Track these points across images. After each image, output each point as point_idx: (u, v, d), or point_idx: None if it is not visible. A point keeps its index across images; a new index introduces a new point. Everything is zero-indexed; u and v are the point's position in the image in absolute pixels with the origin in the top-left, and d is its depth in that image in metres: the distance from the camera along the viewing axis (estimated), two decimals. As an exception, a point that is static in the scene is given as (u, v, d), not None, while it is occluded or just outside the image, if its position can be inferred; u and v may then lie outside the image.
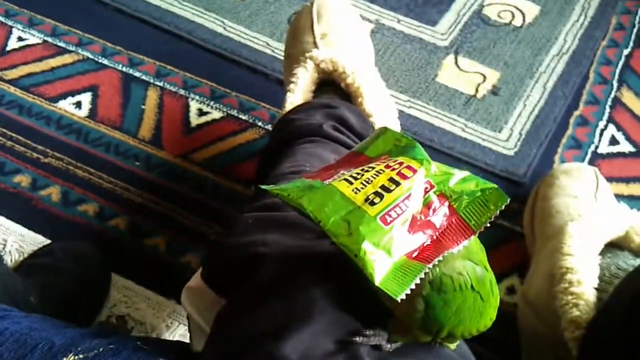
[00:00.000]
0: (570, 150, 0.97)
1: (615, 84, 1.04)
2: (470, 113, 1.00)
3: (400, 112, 0.94)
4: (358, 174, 0.44)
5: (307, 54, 0.84)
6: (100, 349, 0.46)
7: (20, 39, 1.09)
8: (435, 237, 0.42)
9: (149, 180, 0.94)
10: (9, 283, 0.71)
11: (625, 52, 1.08)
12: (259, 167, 0.76)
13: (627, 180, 0.94)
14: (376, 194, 0.42)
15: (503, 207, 0.43)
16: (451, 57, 1.07)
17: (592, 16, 1.12)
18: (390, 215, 0.41)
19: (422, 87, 1.03)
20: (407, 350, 0.45)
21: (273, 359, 0.42)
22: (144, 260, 0.87)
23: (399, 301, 0.39)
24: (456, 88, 1.03)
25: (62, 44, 1.08)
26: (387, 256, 0.40)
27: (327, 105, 0.77)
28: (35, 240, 0.87)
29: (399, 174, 0.43)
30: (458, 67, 1.06)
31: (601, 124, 1.00)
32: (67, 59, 1.06)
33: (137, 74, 1.04)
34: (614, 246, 0.75)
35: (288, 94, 0.83)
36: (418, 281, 0.40)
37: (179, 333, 0.81)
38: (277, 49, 1.07)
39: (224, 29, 1.10)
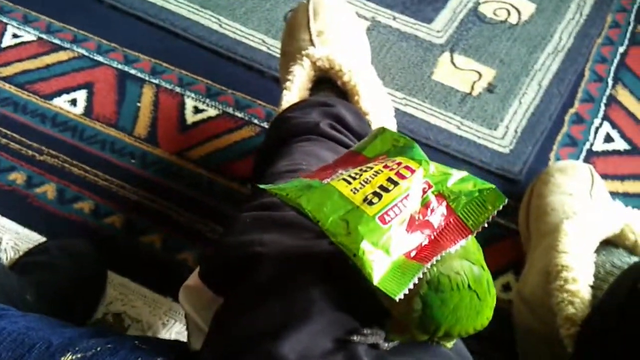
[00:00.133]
0: (566, 148, 0.97)
1: (610, 81, 1.04)
2: (466, 111, 1.01)
3: (396, 110, 0.94)
4: (357, 174, 0.44)
5: (303, 52, 0.84)
6: (98, 349, 0.46)
7: (14, 35, 1.08)
8: (433, 237, 0.42)
9: (145, 177, 0.94)
10: (5, 281, 0.71)
11: (621, 49, 1.08)
12: (256, 165, 0.76)
13: (622, 177, 0.95)
14: (375, 194, 0.42)
15: (501, 207, 0.43)
16: (447, 54, 1.07)
17: (588, 14, 1.12)
18: (388, 215, 0.42)
19: (418, 84, 1.03)
20: (404, 349, 0.45)
21: (271, 359, 0.42)
22: (140, 257, 0.87)
23: (397, 301, 0.39)
24: (452, 86, 1.03)
25: (57, 41, 1.07)
26: (385, 256, 0.41)
27: (324, 103, 0.77)
28: (31, 238, 0.87)
29: (397, 174, 0.43)
30: (454, 64, 1.06)
31: (596, 122, 1.00)
32: (62, 56, 1.06)
33: (133, 71, 1.04)
34: (608, 244, 0.76)
35: (284, 91, 0.83)
36: (416, 281, 0.40)
37: (175, 330, 0.81)
38: (273, 46, 1.07)
39: (220, 26, 1.10)
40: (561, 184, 0.84)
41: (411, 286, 0.40)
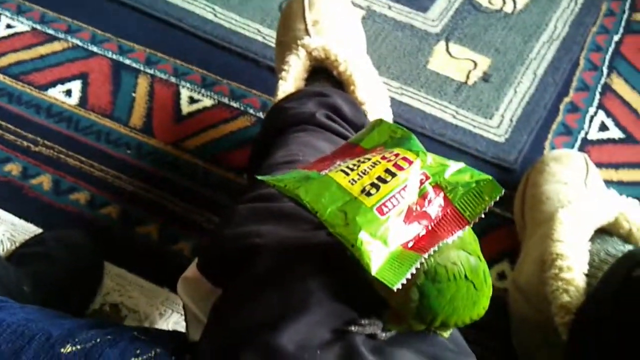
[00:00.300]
0: (561, 137, 0.98)
1: (605, 70, 1.04)
2: (462, 100, 1.01)
3: (392, 100, 0.94)
4: (354, 165, 0.44)
5: (299, 42, 0.84)
6: (98, 340, 0.47)
7: (8, 26, 1.08)
8: (430, 228, 0.42)
9: (141, 168, 0.94)
10: (2, 273, 0.71)
11: (616, 38, 1.08)
12: (252, 156, 0.76)
13: (616, 166, 0.95)
14: (372, 185, 0.43)
15: (497, 198, 0.43)
16: (442, 43, 1.07)
17: (582, 2, 1.12)
18: (386, 206, 0.42)
19: (414, 74, 1.03)
20: (401, 338, 0.45)
21: (270, 350, 0.42)
22: (136, 248, 0.87)
23: (395, 291, 0.40)
24: (447, 75, 1.03)
25: (51, 31, 1.07)
26: (383, 246, 0.41)
27: (320, 93, 0.77)
28: (27, 230, 0.87)
29: (395, 165, 0.43)
30: (449, 54, 1.06)
31: (591, 110, 1.00)
32: (56, 46, 1.05)
33: (127, 62, 1.04)
34: (603, 232, 0.76)
35: (280, 81, 0.83)
36: (414, 271, 0.40)
37: (172, 320, 0.81)
38: (268, 35, 1.07)
39: (215, 15, 1.10)
40: (556, 172, 0.84)
41: (409, 276, 0.40)
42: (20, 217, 0.89)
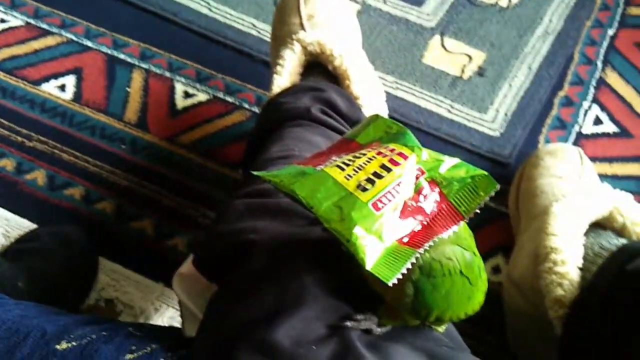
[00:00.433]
0: (555, 131, 0.98)
1: (599, 64, 1.05)
2: (456, 94, 1.01)
3: (387, 94, 0.94)
4: (350, 160, 0.44)
5: (294, 36, 0.83)
6: (93, 336, 0.47)
7: (2, 21, 1.07)
8: (425, 223, 0.42)
9: (135, 163, 0.93)
10: (-3, 268, 0.71)
11: (610, 32, 1.08)
12: (247, 151, 0.76)
13: (610, 160, 0.96)
14: (368, 180, 0.43)
15: (492, 193, 0.43)
16: (437, 38, 1.07)
17: (577, -4, 1.13)
18: (381, 202, 0.42)
19: (409, 68, 1.03)
20: (396, 333, 0.46)
21: (266, 345, 0.42)
22: (132, 243, 0.87)
23: (390, 286, 0.40)
24: (442, 69, 1.03)
25: (44, 26, 1.06)
26: (378, 241, 0.41)
27: (315, 88, 0.77)
28: (22, 225, 0.87)
29: (390, 160, 0.43)
30: (444, 48, 1.06)
31: (585, 104, 1.01)
32: (50, 41, 1.05)
33: (122, 56, 1.03)
34: (597, 226, 0.76)
35: (275, 76, 0.82)
36: (409, 266, 0.40)
37: (167, 315, 0.81)
38: (263, 30, 1.06)
39: (209, 10, 1.09)
40: (550, 166, 0.84)
41: (404, 271, 0.40)
42: (14, 212, 0.88)
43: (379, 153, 0.44)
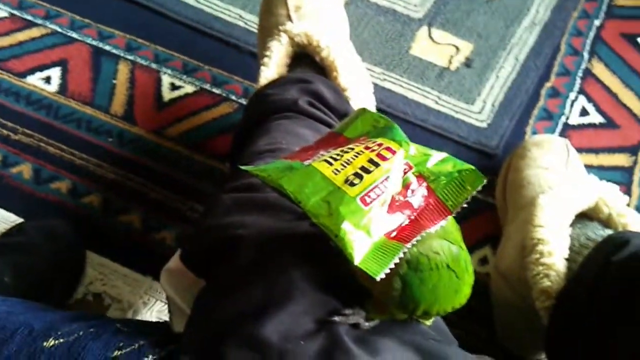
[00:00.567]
0: (542, 122, 0.98)
1: (586, 55, 1.05)
2: (444, 85, 1.01)
3: (375, 85, 0.94)
4: (338, 155, 0.44)
5: (281, 28, 0.83)
6: (81, 333, 0.47)
7: (-15, 12, 1.06)
8: (413, 218, 0.43)
9: (122, 156, 0.93)
10: (-17, 263, 0.71)
11: (596, 23, 1.09)
12: (235, 144, 0.76)
13: (596, 150, 0.96)
14: (356, 175, 0.43)
15: (480, 188, 0.44)
16: (425, 29, 1.07)
17: (564, -13, 1.13)
18: (369, 196, 0.42)
19: (396, 59, 1.03)
20: (384, 327, 0.46)
21: (254, 340, 0.42)
22: (119, 237, 0.87)
23: (378, 280, 0.40)
24: (430, 60, 1.03)
25: (29, 17, 1.05)
26: (366, 236, 0.41)
27: (302, 80, 0.77)
28: (7, 219, 0.86)
29: (378, 155, 0.43)
30: (431, 39, 1.06)
31: (572, 95, 1.01)
32: (34, 32, 1.04)
33: (107, 48, 1.03)
34: (583, 217, 0.77)
35: (262, 67, 0.82)
36: (397, 261, 0.41)
37: (156, 309, 0.81)
38: (250, 21, 1.06)
39: (196, 0, 1.08)
40: (537, 157, 0.85)
41: (392, 266, 0.40)
42: (0, 206, 0.88)
43: (367, 147, 0.44)
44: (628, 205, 0.81)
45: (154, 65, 1.01)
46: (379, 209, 0.42)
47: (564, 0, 1.11)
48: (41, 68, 1.00)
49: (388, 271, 0.40)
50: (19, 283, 0.74)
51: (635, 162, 0.95)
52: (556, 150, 0.86)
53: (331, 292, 0.45)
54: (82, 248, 0.83)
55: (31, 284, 0.76)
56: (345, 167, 0.43)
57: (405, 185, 0.43)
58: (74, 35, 1.04)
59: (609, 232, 0.74)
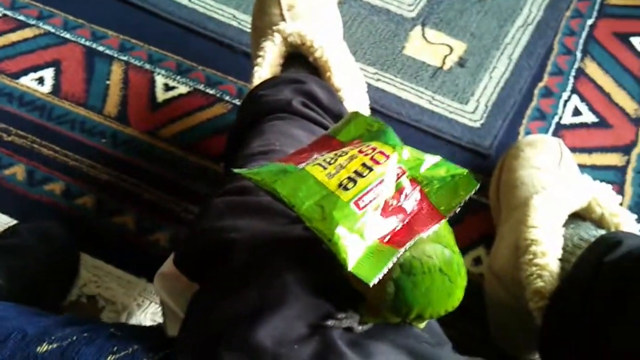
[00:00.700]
0: (535, 122, 0.99)
1: (578, 54, 1.05)
2: (437, 85, 1.01)
3: (368, 85, 0.94)
4: (332, 158, 0.44)
5: (274, 27, 0.83)
6: (74, 338, 0.46)
7: (-23, 12, 1.06)
8: (406, 222, 0.43)
9: (116, 157, 0.93)
10: (-24, 266, 0.70)
11: (589, 22, 1.09)
12: (228, 145, 0.76)
13: (589, 150, 0.96)
14: (350, 179, 0.43)
15: (473, 192, 0.44)
16: (418, 28, 1.07)
17: (557, -14, 1.13)
18: (363, 201, 0.42)
19: (390, 59, 1.03)
20: (377, 331, 0.46)
21: (247, 344, 0.42)
22: (113, 238, 0.87)
23: (371, 285, 0.40)
24: (423, 60, 1.04)
25: (22, 18, 1.05)
26: (360, 241, 0.41)
27: (296, 80, 0.77)
28: (1, 221, 0.86)
29: (372, 159, 0.43)
30: (425, 39, 1.06)
31: (565, 95, 1.01)
32: (27, 33, 1.03)
33: (101, 48, 1.02)
34: (576, 217, 0.77)
35: (256, 67, 0.82)
36: (390, 266, 0.41)
37: (150, 311, 0.81)
38: (243, 21, 1.06)
39: (189, 0, 1.08)
40: (530, 158, 0.85)
41: (385, 271, 0.40)
42: (-7, 208, 0.88)
43: (361, 151, 0.44)
44: (621, 205, 0.81)
45: (147, 66, 1.01)
46: (373, 214, 0.42)
47: (557, 0, 1.11)
48: (34, 69, 1.00)
49: (381, 277, 0.40)
50: (13, 285, 0.74)
51: (627, 162, 0.95)
52: (549, 150, 0.86)
53: (325, 296, 0.45)
54: (76, 250, 0.83)
55: (25, 286, 0.75)
56: (338, 171, 0.43)
57: (399, 190, 0.43)
58: (67, 35, 1.03)
59: (602, 232, 0.74)
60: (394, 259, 0.41)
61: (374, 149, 0.44)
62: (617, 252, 0.64)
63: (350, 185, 0.43)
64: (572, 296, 0.66)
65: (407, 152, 0.45)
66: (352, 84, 0.84)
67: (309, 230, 0.43)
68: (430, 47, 1.05)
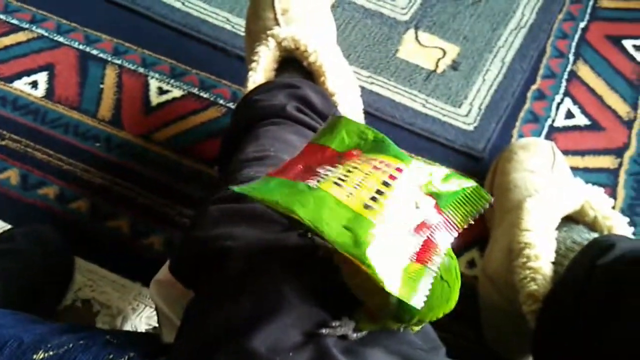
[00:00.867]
0: (528, 125, 0.99)
1: (571, 57, 1.06)
2: (431, 88, 1.01)
3: (362, 89, 0.95)
4: (344, 175, 0.43)
5: (268, 32, 0.83)
6: (70, 345, 0.47)
7: (-30, 16, 1.05)
8: (426, 237, 0.42)
9: (110, 161, 0.93)
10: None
11: (582, 25, 1.09)
12: (223, 150, 0.76)
13: (582, 153, 0.97)
14: (372, 199, 0.41)
15: (486, 205, 0.44)
16: (411, 31, 1.07)
17: (549, -11, 1.14)
18: (390, 220, 0.41)
19: (383, 62, 1.04)
20: (372, 338, 0.46)
21: (242, 352, 0.42)
22: (107, 242, 0.87)
23: (391, 300, 0.40)
24: (417, 63, 1.04)
25: (15, 22, 1.05)
26: (395, 263, 0.40)
27: (290, 85, 0.77)
28: (-5, 226, 0.86)
29: (390, 176, 0.42)
30: (418, 42, 1.06)
31: (558, 98, 1.02)
32: (21, 36, 1.03)
33: (94, 52, 1.02)
34: (569, 220, 0.77)
35: (250, 72, 0.82)
36: (429, 285, 0.40)
37: (145, 315, 0.81)
38: (237, 24, 1.06)
39: (183, 4, 1.08)
40: (523, 161, 0.85)
41: (426, 291, 0.40)
42: (-13, 213, 0.87)
43: (375, 167, 0.43)
44: (613, 208, 0.82)
45: (141, 70, 1.01)
46: (401, 233, 0.41)
47: (550, 3, 1.12)
48: (28, 73, 1.00)
49: (425, 298, 0.39)
50: (8, 290, 0.74)
51: (620, 164, 0.96)
52: (542, 153, 0.86)
53: (320, 303, 0.45)
54: (71, 254, 0.83)
55: (20, 290, 0.75)
56: (357, 189, 0.42)
57: (417, 206, 0.43)
58: (61, 39, 1.03)
59: (595, 235, 0.74)
60: (430, 277, 0.40)
61: (388, 165, 0.43)
62: (610, 255, 0.65)
63: (375, 205, 0.41)
64: (565, 299, 0.66)
65: (417, 164, 0.45)
66: (346, 88, 0.84)
67: (304, 238, 0.42)
68: (424, 50, 1.05)
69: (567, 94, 1.02)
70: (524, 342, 0.72)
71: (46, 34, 1.04)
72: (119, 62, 1.02)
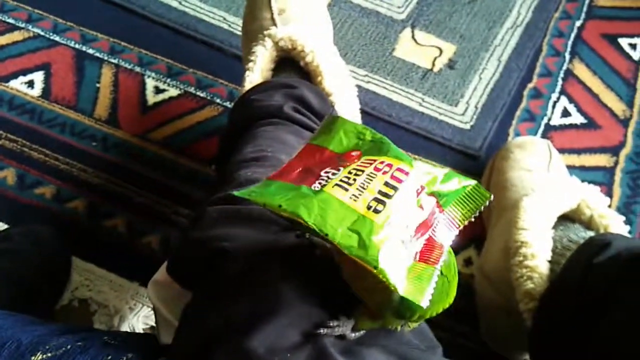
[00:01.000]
0: (525, 123, 0.99)
1: (567, 56, 1.06)
2: (427, 87, 1.01)
3: (359, 87, 0.95)
4: (347, 177, 0.43)
5: (265, 32, 0.83)
6: (69, 347, 0.47)
7: (-34, 15, 1.05)
8: (428, 237, 0.42)
9: (107, 160, 0.93)
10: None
11: (577, 23, 1.10)
12: (220, 150, 0.76)
13: (578, 151, 0.97)
14: (376, 200, 0.41)
15: (487, 203, 0.44)
16: (408, 30, 1.07)
17: (545, -12, 1.14)
18: (395, 222, 0.41)
19: (380, 61, 1.04)
20: (369, 337, 0.46)
21: (241, 353, 0.42)
22: (104, 242, 0.87)
23: (393, 298, 0.40)
24: (413, 62, 1.04)
25: (11, 21, 1.04)
26: (401, 263, 0.40)
27: (287, 85, 0.77)
28: (-8, 225, 0.86)
29: (393, 177, 0.43)
30: (415, 40, 1.06)
31: (554, 96, 1.02)
32: (17, 36, 1.03)
33: (91, 51, 1.02)
34: (566, 219, 0.78)
35: (247, 72, 0.82)
36: (434, 284, 0.40)
37: (142, 314, 0.81)
38: (234, 23, 1.06)
39: (179, 3, 1.08)
40: (520, 159, 0.86)
41: (432, 291, 0.40)
42: (-16, 213, 0.87)
43: (377, 169, 0.43)
44: (609, 206, 0.82)
45: (137, 69, 1.01)
46: (405, 233, 0.41)
47: (546, 2, 1.12)
48: (24, 72, 1.00)
49: (430, 297, 0.40)
50: (5, 290, 0.74)
51: (616, 163, 0.96)
52: (539, 152, 0.87)
53: (318, 303, 0.45)
54: (68, 254, 0.83)
55: (17, 290, 0.75)
56: (362, 191, 0.42)
57: (420, 206, 0.43)
58: (57, 38, 1.03)
59: (591, 234, 0.75)
60: (435, 277, 0.40)
61: (390, 166, 0.43)
62: (606, 253, 0.65)
63: (379, 207, 0.41)
64: (562, 298, 0.66)
65: (419, 164, 0.45)
66: (343, 88, 0.84)
67: (302, 238, 0.43)
68: (420, 49, 1.06)
69: (563, 92, 1.02)
70: (520, 339, 0.72)
71: (42, 33, 1.03)
72: (115, 61, 1.01)
